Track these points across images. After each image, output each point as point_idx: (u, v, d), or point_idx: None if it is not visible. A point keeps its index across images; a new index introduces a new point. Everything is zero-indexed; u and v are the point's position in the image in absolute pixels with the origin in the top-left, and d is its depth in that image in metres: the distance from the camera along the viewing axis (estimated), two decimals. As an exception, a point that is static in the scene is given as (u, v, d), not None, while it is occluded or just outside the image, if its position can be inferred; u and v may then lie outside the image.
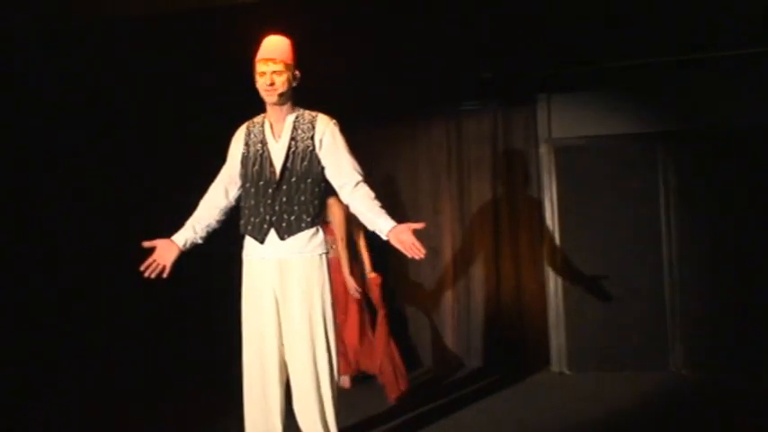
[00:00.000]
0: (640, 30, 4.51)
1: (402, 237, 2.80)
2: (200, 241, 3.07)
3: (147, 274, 2.93)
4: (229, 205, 3.12)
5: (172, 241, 2.98)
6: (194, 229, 3.05)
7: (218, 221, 3.10)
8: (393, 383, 4.52)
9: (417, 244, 2.76)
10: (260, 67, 2.92)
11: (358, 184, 2.97)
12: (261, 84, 2.93)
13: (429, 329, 5.76)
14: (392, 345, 4.61)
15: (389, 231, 2.84)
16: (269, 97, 2.94)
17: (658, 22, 4.41)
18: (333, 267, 3.31)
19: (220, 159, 3.16)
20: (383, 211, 2.92)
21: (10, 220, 5.62)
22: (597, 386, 4.92)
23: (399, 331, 5.78)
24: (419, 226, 2.81)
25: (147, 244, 2.95)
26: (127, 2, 3.92)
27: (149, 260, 2.93)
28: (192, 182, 3.29)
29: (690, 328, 5.17)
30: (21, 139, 5.69)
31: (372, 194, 2.97)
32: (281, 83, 2.92)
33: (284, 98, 2.97)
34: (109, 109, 5.62)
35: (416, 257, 2.78)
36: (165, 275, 2.94)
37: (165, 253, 2.95)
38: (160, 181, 5.82)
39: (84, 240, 5.85)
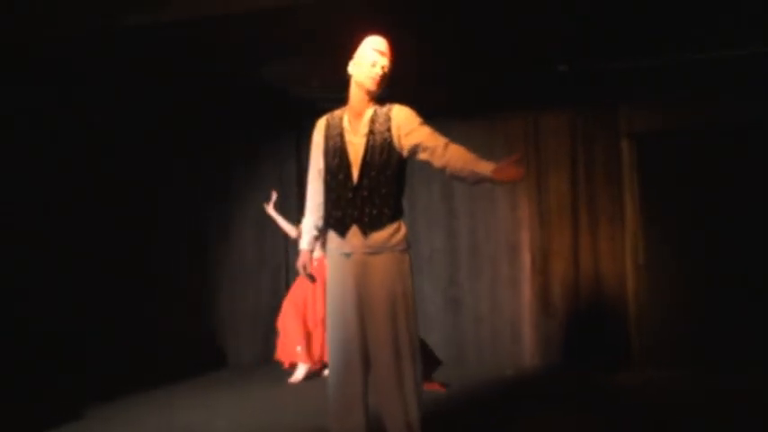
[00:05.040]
0: (722, 21, 4.34)
1: (505, 172, 2.78)
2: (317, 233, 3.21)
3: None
4: None
5: (308, 253, 3.22)
6: (311, 230, 3.19)
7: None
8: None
9: (518, 168, 2.78)
10: (373, 56, 2.95)
11: (447, 144, 2.92)
12: (369, 71, 2.95)
13: (507, 326, 5.72)
14: None
15: (492, 175, 2.80)
16: (371, 84, 2.95)
17: (740, 14, 4.23)
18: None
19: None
20: (478, 159, 2.85)
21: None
22: (680, 384, 4.79)
23: (475, 329, 5.78)
24: (517, 157, 2.82)
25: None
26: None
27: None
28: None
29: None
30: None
31: (463, 148, 2.91)
32: (385, 79, 2.98)
33: (377, 93, 3.00)
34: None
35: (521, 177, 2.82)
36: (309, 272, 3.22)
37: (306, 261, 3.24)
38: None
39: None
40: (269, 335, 5.96)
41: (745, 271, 5.05)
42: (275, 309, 5.58)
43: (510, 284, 5.74)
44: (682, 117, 5.26)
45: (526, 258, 5.70)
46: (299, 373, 5.26)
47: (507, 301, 5.73)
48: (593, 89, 5.45)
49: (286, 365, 5.33)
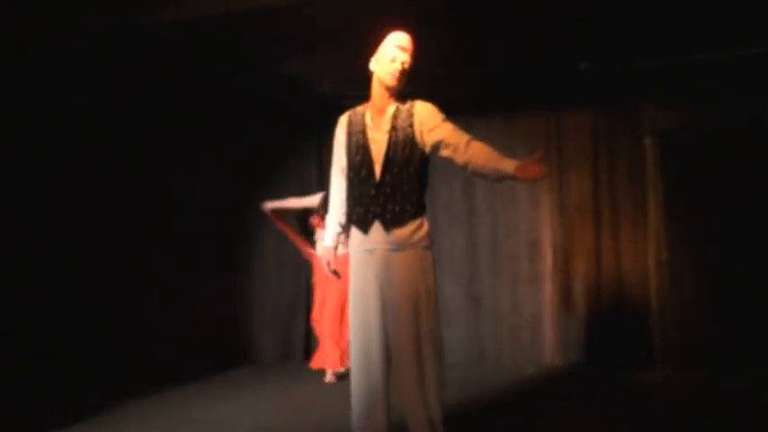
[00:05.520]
0: (749, 19, 4.30)
1: (528, 170, 2.77)
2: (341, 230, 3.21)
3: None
4: None
5: (331, 249, 3.23)
6: (335, 227, 3.20)
7: None
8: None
9: (540, 166, 2.77)
10: (394, 52, 2.95)
11: (469, 141, 2.92)
12: (390, 68, 2.95)
13: (528, 324, 5.71)
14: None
15: (514, 173, 2.79)
16: (392, 81, 2.96)
17: (764, 11, 4.20)
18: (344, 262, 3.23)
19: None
20: (501, 156, 2.86)
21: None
22: (702, 383, 4.76)
23: (495, 327, 5.78)
24: (539, 155, 2.80)
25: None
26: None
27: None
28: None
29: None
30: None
31: (486, 145, 2.91)
32: (406, 74, 2.98)
33: (398, 89, 3.00)
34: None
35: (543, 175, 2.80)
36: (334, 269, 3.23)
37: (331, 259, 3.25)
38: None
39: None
40: (290, 332, 6.01)
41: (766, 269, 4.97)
42: (296, 306, 5.56)
43: (531, 282, 5.71)
44: (706, 114, 5.22)
45: (547, 256, 5.68)
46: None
47: (528, 298, 5.71)
48: (615, 87, 5.41)
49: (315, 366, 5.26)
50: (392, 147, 2.96)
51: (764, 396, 4.29)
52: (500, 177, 2.87)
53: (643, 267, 5.38)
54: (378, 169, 2.96)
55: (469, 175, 3.07)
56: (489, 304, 5.81)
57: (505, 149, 2.92)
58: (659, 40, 4.67)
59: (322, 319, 5.21)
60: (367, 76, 3.06)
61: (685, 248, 5.23)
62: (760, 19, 4.24)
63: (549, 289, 5.66)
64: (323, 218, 4.92)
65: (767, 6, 3.96)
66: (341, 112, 3.18)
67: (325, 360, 5.16)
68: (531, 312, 5.69)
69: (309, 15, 3.99)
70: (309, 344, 5.90)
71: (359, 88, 3.23)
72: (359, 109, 3.11)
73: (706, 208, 5.20)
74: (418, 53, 2.99)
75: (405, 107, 3.01)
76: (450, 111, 3.02)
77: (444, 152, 2.94)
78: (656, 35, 4.58)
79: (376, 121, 3.02)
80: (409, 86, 3.02)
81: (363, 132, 3.02)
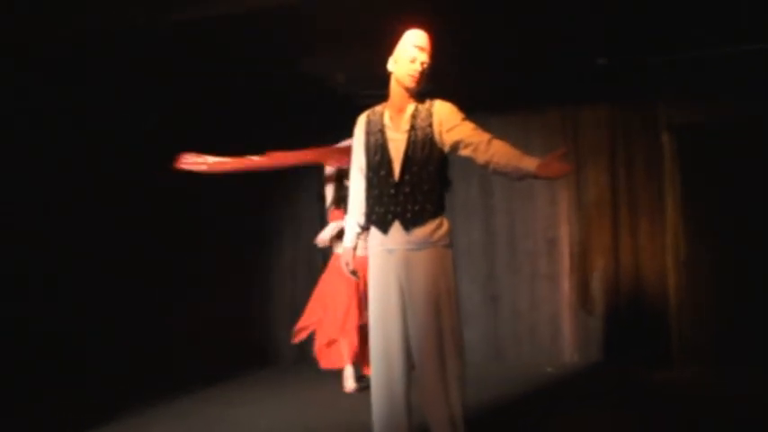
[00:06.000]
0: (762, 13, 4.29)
1: (550, 168, 2.76)
2: (360, 230, 3.23)
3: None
4: None
5: (350, 250, 3.25)
6: (354, 227, 3.22)
7: None
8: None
9: (563, 165, 2.76)
10: (413, 52, 2.94)
11: (490, 140, 2.90)
12: (409, 69, 2.94)
13: (546, 322, 5.70)
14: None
15: (536, 171, 2.78)
16: (411, 83, 2.96)
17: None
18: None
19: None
20: (522, 154, 2.84)
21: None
22: (720, 381, 4.75)
23: (513, 325, 5.78)
24: (561, 152, 2.80)
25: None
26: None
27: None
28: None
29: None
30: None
31: (506, 144, 2.89)
32: (426, 75, 2.97)
33: (417, 90, 2.99)
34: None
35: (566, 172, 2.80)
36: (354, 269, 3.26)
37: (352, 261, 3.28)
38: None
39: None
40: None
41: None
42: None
43: (549, 280, 5.71)
44: (724, 110, 5.19)
45: (565, 253, 5.68)
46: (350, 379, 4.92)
47: (546, 296, 5.70)
48: (633, 82, 5.40)
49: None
50: (411, 146, 2.95)
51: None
52: (522, 176, 2.86)
53: (661, 264, 5.37)
54: (397, 169, 2.95)
55: (490, 174, 3.06)
56: (507, 302, 5.81)
57: (522, 146, 2.91)
58: (678, 34, 4.67)
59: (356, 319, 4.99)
60: (368, 74, 3.06)
61: (704, 246, 5.21)
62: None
63: (566, 286, 5.66)
64: (345, 211, 4.89)
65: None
66: (359, 108, 3.18)
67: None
68: (550, 310, 5.68)
69: (309, 15, 4.00)
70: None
71: (362, 87, 3.23)
72: (377, 108, 3.11)
73: (724, 206, 5.16)
74: (437, 49, 2.97)
75: (424, 107, 3.00)
76: (467, 108, 3.00)
77: (464, 152, 2.93)
78: (673, 30, 4.58)
79: (395, 120, 3.02)
80: (426, 85, 3.01)
81: (382, 132, 3.02)
